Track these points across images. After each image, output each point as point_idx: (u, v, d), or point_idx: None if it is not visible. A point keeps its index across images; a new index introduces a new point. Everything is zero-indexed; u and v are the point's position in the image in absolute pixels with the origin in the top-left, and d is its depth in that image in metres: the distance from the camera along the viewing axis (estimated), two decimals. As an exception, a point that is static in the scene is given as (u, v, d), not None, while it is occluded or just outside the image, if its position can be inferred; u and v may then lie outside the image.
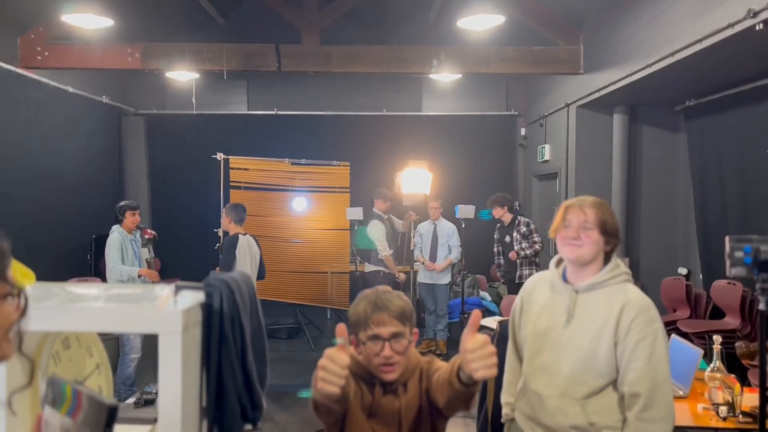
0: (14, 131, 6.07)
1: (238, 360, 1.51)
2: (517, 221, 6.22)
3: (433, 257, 6.43)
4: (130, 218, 5.03)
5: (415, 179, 6.03)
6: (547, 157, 7.79)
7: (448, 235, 6.46)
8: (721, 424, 2.75)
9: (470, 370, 1.38)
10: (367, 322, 1.71)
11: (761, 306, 1.81)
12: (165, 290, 1.56)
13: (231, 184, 6.34)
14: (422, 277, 6.52)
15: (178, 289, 1.49)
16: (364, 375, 1.77)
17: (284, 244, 6.50)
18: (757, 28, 3.67)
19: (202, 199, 7.95)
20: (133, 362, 4.91)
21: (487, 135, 8.76)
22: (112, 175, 8.36)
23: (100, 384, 1.73)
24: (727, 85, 5.34)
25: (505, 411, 2.22)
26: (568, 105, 7.01)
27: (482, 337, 1.39)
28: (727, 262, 1.82)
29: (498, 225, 6.39)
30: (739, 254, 1.76)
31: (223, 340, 1.49)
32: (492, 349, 1.38)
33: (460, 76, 6.96)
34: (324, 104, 8.60)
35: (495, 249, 6.46)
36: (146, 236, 5.15)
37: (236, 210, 5.23)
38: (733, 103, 5.40)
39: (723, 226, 5.53)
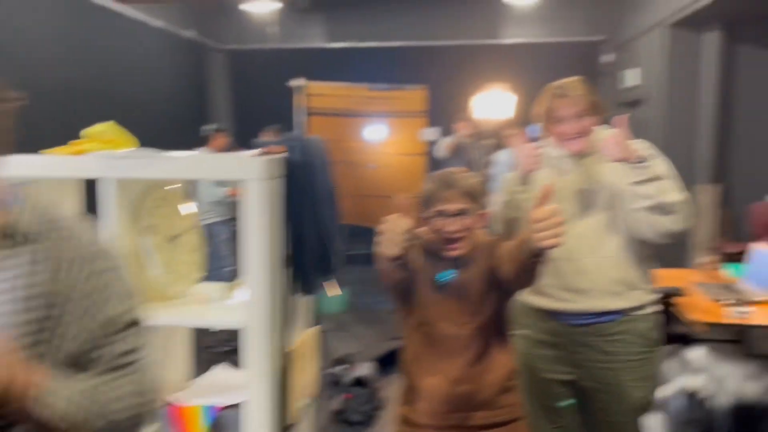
0: (97, 64, 6.32)
1: (315, 212, 1.63)
2: None
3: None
4: (221, 139, 5.26)
5: (493, 103, 5.89)
6: (631, 82, 7.45)
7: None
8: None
9: (537, 239, 1.40)
10: (435, 198, 1.75)
11: None
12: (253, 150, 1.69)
13: (310, 110, 6.47)
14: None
15: (259, 144, 1.61)
16: (432, 250, 1.83)
17: (360, 169, 6.63)
18: None
19: (285, 129, 8.15)
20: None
21: (568, 63, 8.37)
22: (197, 108, 8.70)
23: (192, 242, 1.90)
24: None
25: None
26: (658, 24, 6.63)
27: (551, 207, 1.41)
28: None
29: None
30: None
31: (301, 192, 1.60)
32: (560, 219, 1.40)
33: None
34: (402, 34, 8.53)
35: None
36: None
37: (280, 132, 5.36)
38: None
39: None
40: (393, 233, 1.49)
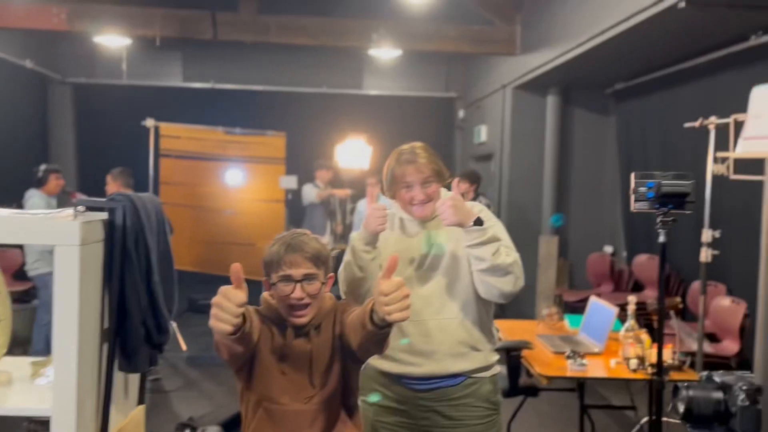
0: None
1: (143, 280, 1.46)
2: (478, 200, 6.08)
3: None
4: (55, 181, 4.81)
5: (354, 153, 5.97)
6: (483, 138, 7.91)
7: (386, 213, 6.41)
8: (632, 375, 2.88)
9: (384, 312, 1.37)
10: (280, 262, 1.66)
11: (661, 238, 1.88)
12: (68, 210, 1.49)
13: (161, 152, 6.13)
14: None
15: (79, 204, 1.42)
16: (275, 317, 1.72)
17: (216, 214, 6.36)
18: (679, 6, 3.81)
19: (132, 170, 7.68)
20: None
21: (427, 116, 8.83)
22: (36, 145, 7.97)
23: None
24: (653, 67, 5.55)
25: None
26: (504, 86, 7.13)
27: (397, 280, 1.38)
28: (632, 198, 1.89)
29: None
30: (642, 189, 1.83)
31: (126, 258, 1.43)
32: (406, 292, 1.37)
33: (400, 53, 6.96)
34: (263, 78, 8.47)
35: None
36: (75, 200, 4.94)
37: (123, 175, 5.03)
38: (658, 86, 5.61)
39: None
40: (226, 307, 1.36)
